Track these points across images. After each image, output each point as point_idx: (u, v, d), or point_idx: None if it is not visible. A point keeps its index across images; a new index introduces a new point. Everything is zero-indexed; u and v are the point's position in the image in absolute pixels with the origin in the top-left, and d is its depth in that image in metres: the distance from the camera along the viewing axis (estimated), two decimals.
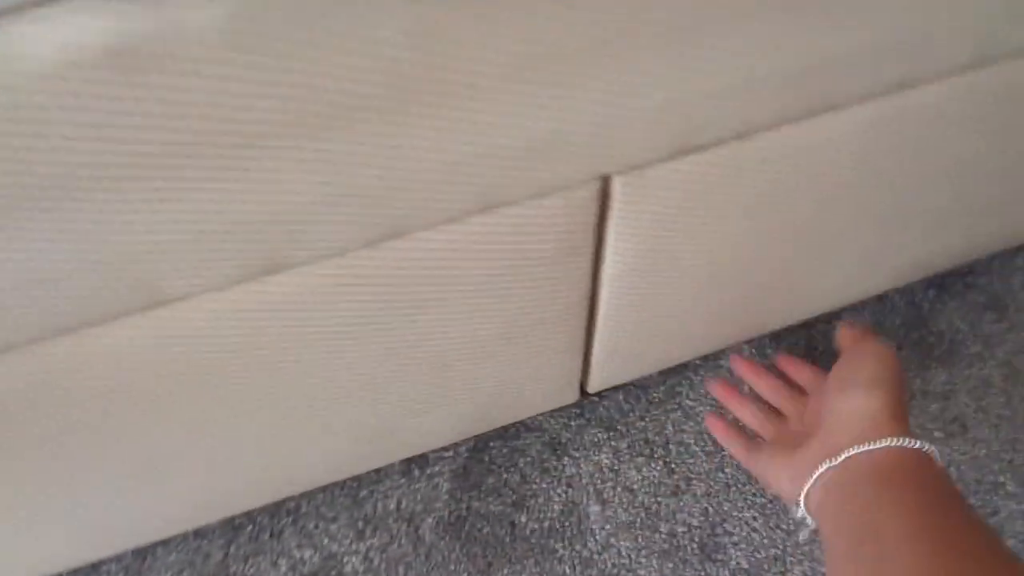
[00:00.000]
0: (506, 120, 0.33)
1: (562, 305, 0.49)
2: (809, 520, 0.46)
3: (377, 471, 0.68)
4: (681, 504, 0.66)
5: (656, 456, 0.68)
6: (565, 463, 0.68)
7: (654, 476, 0.67)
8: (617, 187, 0.40)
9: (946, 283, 0.78)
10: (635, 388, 0.71)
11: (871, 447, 0.43)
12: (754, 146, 0.42)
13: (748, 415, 0.59)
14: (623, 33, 0.31)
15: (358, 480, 0.68)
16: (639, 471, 0.67)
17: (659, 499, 0.67)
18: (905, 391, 0.46)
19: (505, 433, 0.70)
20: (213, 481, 0.54)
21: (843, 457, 0.43)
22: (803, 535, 0.50)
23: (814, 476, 0.45)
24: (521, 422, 0.70)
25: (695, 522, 0.66)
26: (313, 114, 0.29)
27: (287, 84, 0.28)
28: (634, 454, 0.68)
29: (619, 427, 0.69)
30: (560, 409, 0.70)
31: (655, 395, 0.71)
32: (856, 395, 0.46)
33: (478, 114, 0.32)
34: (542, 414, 0.70)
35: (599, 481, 0.67)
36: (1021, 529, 0.65)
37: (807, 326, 0.75)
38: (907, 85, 0.42)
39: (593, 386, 0.63)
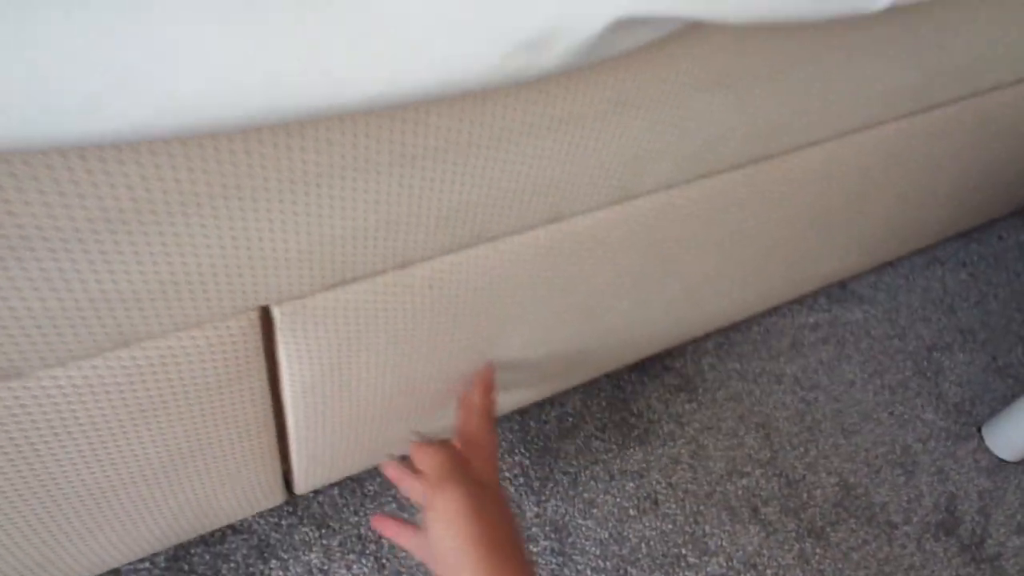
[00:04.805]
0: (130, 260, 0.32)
1: (241, 423, 0.47)
2: None
3: None
4: None
5: (368, 552, 0.68)
6: (272, 567, 0.66)
7: (364, 574, 0.67)
8: (277, 316, 0.40)
9: (646, 366, 0.86)
10: (351, 481, 0.71)
11: None
12: (418, 274, 0.44)
13: (418, 494, 0.55)
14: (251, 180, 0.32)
15: None
16: (349, 569, 0.67)
17: None
18: (488, 487, 0.49)
19: (210, 538, 0.66)
20: None
21: None
22: None
23: None
24: (229, 524, 0.67)
25: None
26: None
27: None
28: (345, 551, 0.67)
29: (332, 523, 0.68)
30: (272, 508, 0.68)
31: (370, 488, 0.71)
32: (440, 540, 0.47)
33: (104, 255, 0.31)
34: (252, 514, 0.67)
35: None
36: None
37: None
38: (559, 218, 0.47)
39: (300, 488, 0.62)
